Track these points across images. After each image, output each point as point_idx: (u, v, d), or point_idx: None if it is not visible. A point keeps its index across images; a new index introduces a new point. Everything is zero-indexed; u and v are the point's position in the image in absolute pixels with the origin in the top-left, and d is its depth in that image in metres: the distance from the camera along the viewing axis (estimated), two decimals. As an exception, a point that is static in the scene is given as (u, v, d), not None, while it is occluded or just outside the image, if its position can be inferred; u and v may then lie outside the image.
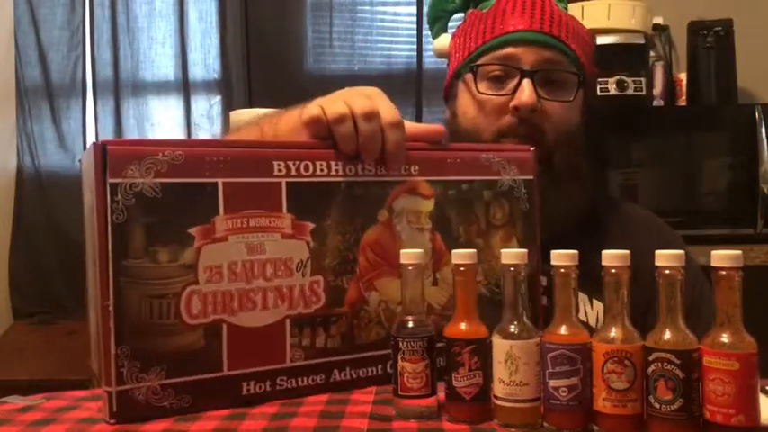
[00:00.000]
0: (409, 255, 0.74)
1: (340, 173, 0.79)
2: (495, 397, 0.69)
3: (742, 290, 0.62)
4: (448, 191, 0.85)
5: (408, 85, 2.69)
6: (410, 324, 0.72)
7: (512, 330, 0.68)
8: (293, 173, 0.77)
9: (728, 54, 2.27)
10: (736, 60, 2.27)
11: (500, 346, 0.68)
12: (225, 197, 0.73)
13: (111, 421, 0.68)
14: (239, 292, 0.73)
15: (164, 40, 2.72)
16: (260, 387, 0.74)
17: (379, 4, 2.78)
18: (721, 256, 0.62)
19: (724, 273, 0.62)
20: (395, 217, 0.82)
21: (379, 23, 2.77)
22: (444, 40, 1.17)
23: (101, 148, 0.68)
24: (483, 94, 1.03)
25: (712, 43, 2.27)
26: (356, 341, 0.79)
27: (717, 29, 2.26)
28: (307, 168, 0.78)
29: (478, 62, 1.04)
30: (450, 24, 1.20)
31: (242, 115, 2.04)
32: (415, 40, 2.72)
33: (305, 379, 0.77)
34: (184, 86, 2.69)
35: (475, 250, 0.72)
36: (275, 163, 0.76)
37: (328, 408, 0.74)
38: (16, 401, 0.78)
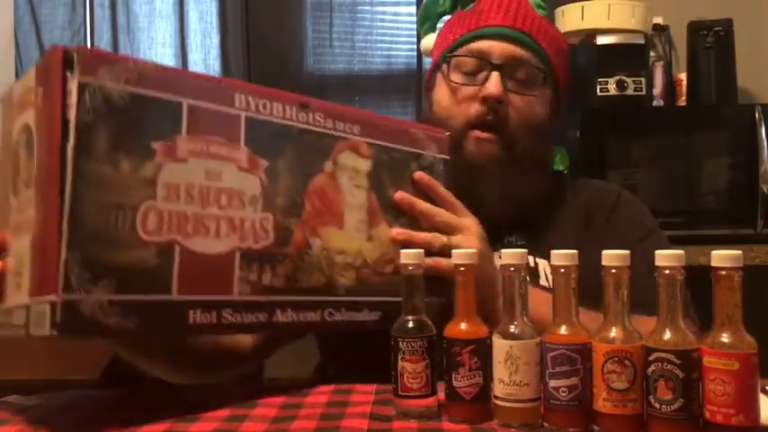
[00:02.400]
0: (409, 255, 0.74)
1: (293, 117, 0.83)
2: (495, 397, 0.69)
3: (742, 290, 0.62)
4: (383, 155, 0.91)
5: (408, 85, 2.69)
6: (410, 324, 0.72)
7: (512, 330, 0.68)
8: (252, 108, 0.79)
9: (728, 54, 2.26)
10: (736, 60, 2.27)
11: (500, 346, 0.68)
12: (189, 119, 0.74)
13: (53, 332, 0.64)
14: (194, 215, 0.73)
15: (164, 41, 2.71)
16: (206, 317, 0.73)
17: (379, 4, 2.77)
18: (721, 256, 0.62)
19: (724, 273, 0.62)
20: (338, 170, 0.86)
21: (379, 23, 2.77)
22: (431, 39, 1.24)
23: (61, 51, 0.67)
24: (455, 83, 1.10)
25: (712, 43, 2.26)
26: (299, 284, 0.81)
27: (717, 29, 2.26)
28: (265, 107, 0.80)
29: (453, 54, 1.11)
30: (438, 26, 1.26)
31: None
32: (414, 40, 2.72)
33: (249, 315, 0.77)
34: (184, 86, 2.69)
35: (475, 250, 0.72)
36: (237, 95, 0.78)
37: (328, 410, 0.74)
38: (16, 401, 0.78)
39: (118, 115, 0.69)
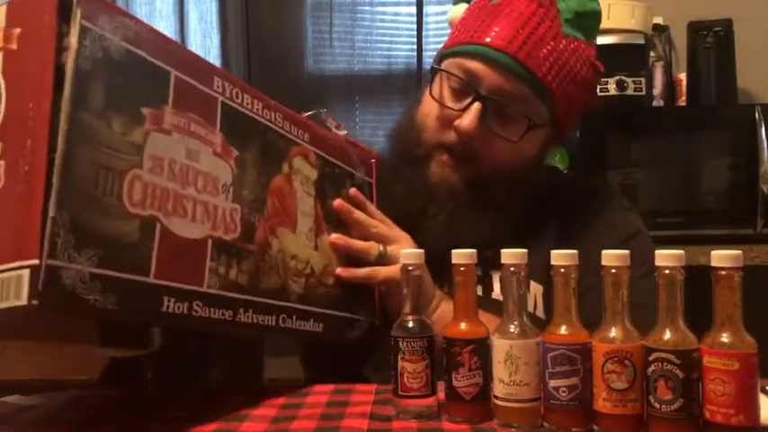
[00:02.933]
0: (409, 255, 0.74)
1: (260, 113, 0.83)
2: (495, 397, 0.69)
3: (742, 290, 0.62)
4: (326, 167, 0.91)
5: (408, 85, 2.69)
6: (410, 324, 0.72)
7: (512, 330, 0.68)
8: (228, 94, 0.78)
9: (728, 54, 2.27)
10: (735, 60, 2.27)
11: (500, 346, 0.68)
12: (175, 90, 0.72)
13: (33, 302, 0.57)
14: (175, 194, 0.70)
15: (164, 41, 2.72)
16: (179, 307, 0.69)
17: (379, 4, 2.77)
18: (721, 256, 0.62)
19: (724, 273, 0.62)
20: (293, 174, 0.86)
21: (379, 23, 2.77)
22: (460, 10, 1.13)
23: None
24: (437, 101, 1.01)
25: (712, 43, 2.26)
26: (259, 284, 0.79)
27: (717, 29, 2.26)
28: (238, 96, 0.80)
29: (444, 65, 1.02)
30: None
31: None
32: (415, 40, 2.72)
33: (216, 311, 0.73)
34: (185, 87, 2.69)
35: (475, 251, 0.72)
36: (216, 78, 0.77)
37: (328, 410, 0.74)
38: (16, 401, 0.78)
39: (115, 70, 0.65)
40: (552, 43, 0.97)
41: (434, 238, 0.96)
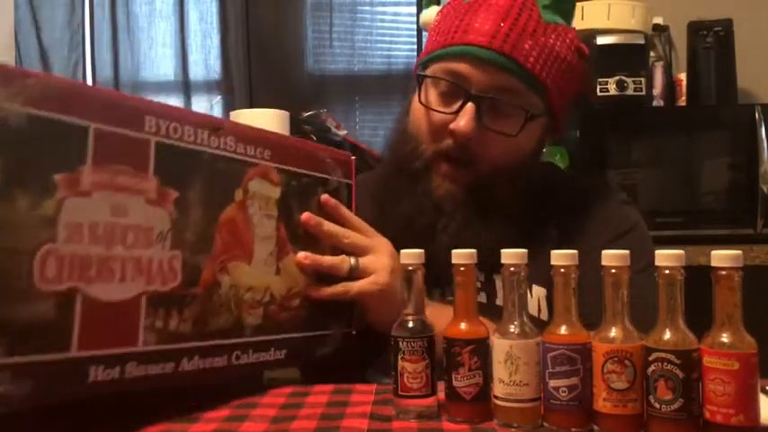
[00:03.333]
0: (409, 255, 0.74)
1: (205, 142, 0.76)
2: (495, 397, 0.69)
3: (742, 290, 0.62)
4: (292, 181, 0.86)
5: (408, 85, 2.69)
6: (410, 324, 0.72)
7: (512, 330, 0.68)
8: (162, 132, 0.71)
9: (728, 54, 2.27)
10: (735, 60, 2.27)
11: (500, 346, 0.68)
12: (95, 145, 0.65)
13: None
14: (98, 258, 0.65)
15: (164, 41, 2.71)
16: (108, 374, 0.66)
17: (379, 4, 2.78)
18: (721, 256, 0.62)
19: (724, 273, 0.62)
20: (248, 198, 0.80)
21: (379, 23, 2.77)
22: (433, 12, 1.10)
23: None
24: (427, 107, 0.99)
25: (712, 43, 2.26)
26: (206, 327, 0.75)
27: (717, 29, 2.26)
28: (176, 131, 0.73)
29: (429, 71, 1.00)
30: None
31: (242, 115, 2.04)
32: (414, 40, 2.72)
33: (154, 366, 0.70)
34: (185, 87, 2.69)
35: (475, 251, 0.72)
36: (147, 118, 0.70)
37: (328, 410, 0.74)
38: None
39: (15, 142, 0.60)
40: (535, 32, 0.96)
41: (446, 251, 0.94)
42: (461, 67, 0.96)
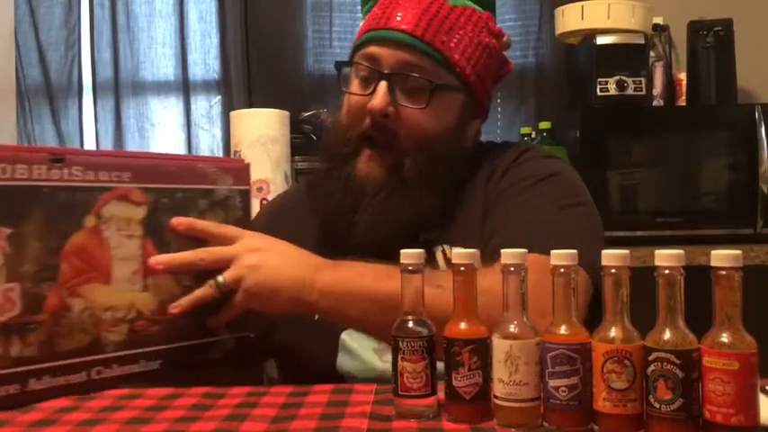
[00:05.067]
0: (409, 255, 0.74)
1: (43, 176, 0.79)
2: (495, 397, 0.69)
3: (742, 290, 0.62)
4: (162, 198, 0.87)
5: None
6: (410, 324, 0.72)
7: (512, 330, 0.68)
8: None
9: (728, 54, 2.27)
10: (735, 60, 2.27)
11: (500, 345, 0.68)
12: None
13: None
14: None
15: (164, 40, 2.71)
16: None
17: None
18: (721, 256, 0.62)
19: (724, 273, 0.62)
20: (102, 223, 0.83)
21: (378, 23, 2.77)
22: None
23: None
24: (348, 92, 1.06)
25: (712, 43, 2.27)
26: (57, 348, 0.79)
27: (717, 29, 2.26)
28: (5, 171, 0.76)
29: (348, 59, 1.08)
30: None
31: (242, 115, 2.04)
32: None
33: None
34: (184, 86, 2.68)
35: (475, 250, 0.72)
36: None
37: (328, 409, 0.74)
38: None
39: None
40: (441, 13, 1.04)
41: (370, 230, 1.00)
42: (374, 49, 1.04)
